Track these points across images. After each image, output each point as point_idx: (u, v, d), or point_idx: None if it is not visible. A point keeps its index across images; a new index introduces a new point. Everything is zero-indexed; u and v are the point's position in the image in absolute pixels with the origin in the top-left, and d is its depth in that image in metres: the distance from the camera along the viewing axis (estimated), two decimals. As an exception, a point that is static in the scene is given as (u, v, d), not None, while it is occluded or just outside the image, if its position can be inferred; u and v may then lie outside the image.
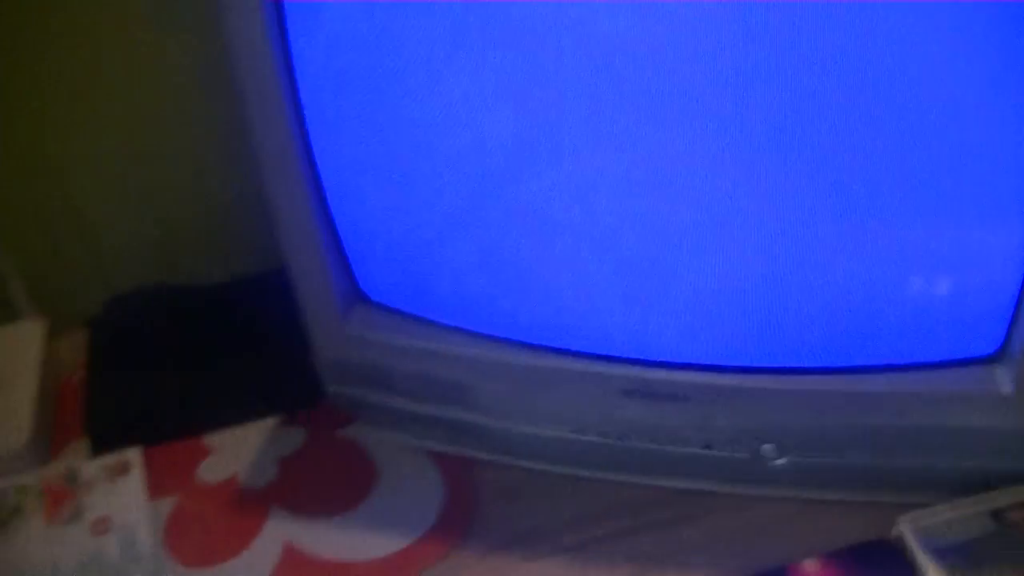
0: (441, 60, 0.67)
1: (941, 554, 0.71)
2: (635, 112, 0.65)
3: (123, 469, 0.84)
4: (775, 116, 0.63)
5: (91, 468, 0.84)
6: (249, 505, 0.84)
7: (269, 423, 0.92)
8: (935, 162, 0.63)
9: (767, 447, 0.78)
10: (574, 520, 0.81)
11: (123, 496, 0.82)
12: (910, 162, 0.64)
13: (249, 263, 1.04)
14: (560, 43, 0.64)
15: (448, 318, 0.81)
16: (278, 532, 0.82)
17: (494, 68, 0.66)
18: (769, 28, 0.60)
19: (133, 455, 0.85)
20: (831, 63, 0.61)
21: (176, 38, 0.97)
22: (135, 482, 0.83)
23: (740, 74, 0.62)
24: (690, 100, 0.64)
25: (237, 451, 0.89)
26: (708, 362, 0.76)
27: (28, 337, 0.97)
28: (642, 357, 0.76)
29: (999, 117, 0.61)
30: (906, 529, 0.73)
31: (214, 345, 0.98)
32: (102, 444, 0.88)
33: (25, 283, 1.01)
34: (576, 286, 0.75)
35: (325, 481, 0.86)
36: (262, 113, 0.73)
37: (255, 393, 0.93)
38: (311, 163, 0.76)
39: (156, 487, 0.84)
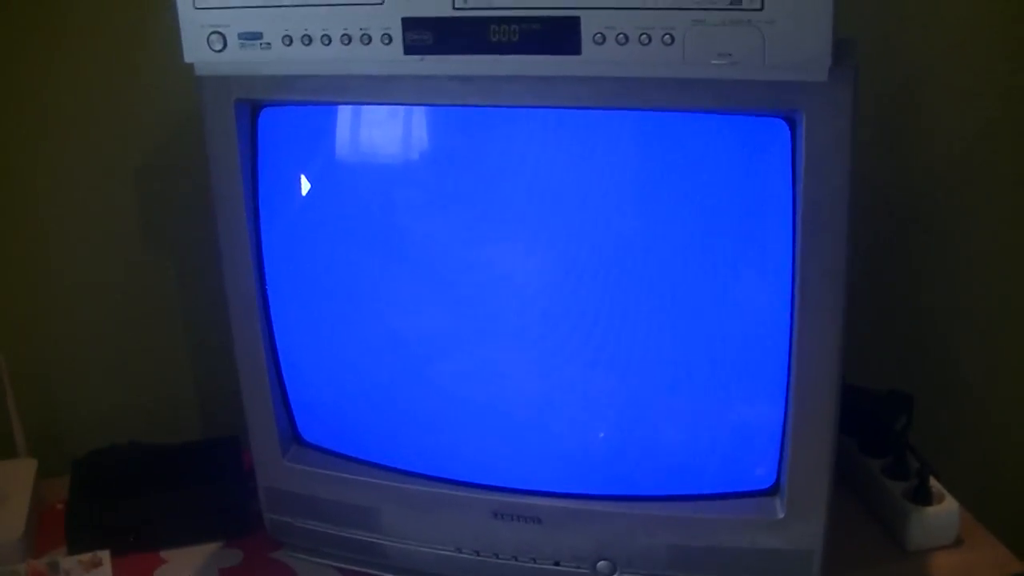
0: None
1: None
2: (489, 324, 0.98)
3: (95, 563, 1.04)
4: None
5: (69, 561, 1.05)
6: (192, 598, 1.06)
7: (214, 545, 1.14)
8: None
9: (602, 564, 1.01)
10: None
11: (94, 581, 1.03)
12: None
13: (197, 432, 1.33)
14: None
15: (362, 454, 1.06)
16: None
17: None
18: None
19: (104, 555, 1.05)
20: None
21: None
22: (105, 572, 1.04)
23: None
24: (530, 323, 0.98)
25: (187, 562, 1.11)
26: (556, 490, 1.00)
27: (24, 470, 1.20)
28: (506, 485, 1.01)
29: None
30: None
31: (173, 487, 1.19)
32: (78, 549, 1.09)
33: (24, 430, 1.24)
34: (454, 430, 1.03)
35: (255, 588, 1.07)
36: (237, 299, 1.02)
37: (204, 522, 1.15)
38: (272, 345, 1.04)
39: (120, 581, 1.05)
